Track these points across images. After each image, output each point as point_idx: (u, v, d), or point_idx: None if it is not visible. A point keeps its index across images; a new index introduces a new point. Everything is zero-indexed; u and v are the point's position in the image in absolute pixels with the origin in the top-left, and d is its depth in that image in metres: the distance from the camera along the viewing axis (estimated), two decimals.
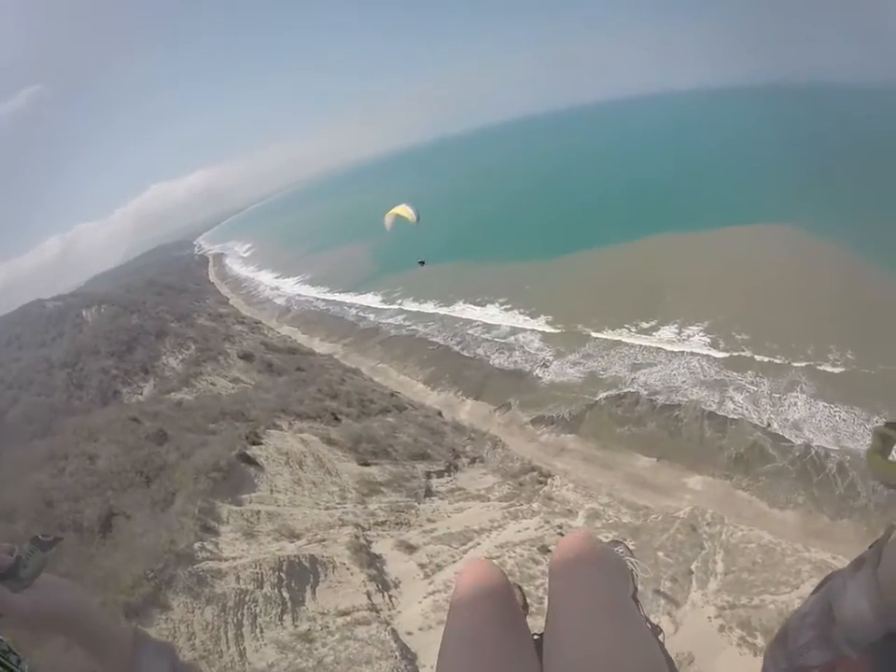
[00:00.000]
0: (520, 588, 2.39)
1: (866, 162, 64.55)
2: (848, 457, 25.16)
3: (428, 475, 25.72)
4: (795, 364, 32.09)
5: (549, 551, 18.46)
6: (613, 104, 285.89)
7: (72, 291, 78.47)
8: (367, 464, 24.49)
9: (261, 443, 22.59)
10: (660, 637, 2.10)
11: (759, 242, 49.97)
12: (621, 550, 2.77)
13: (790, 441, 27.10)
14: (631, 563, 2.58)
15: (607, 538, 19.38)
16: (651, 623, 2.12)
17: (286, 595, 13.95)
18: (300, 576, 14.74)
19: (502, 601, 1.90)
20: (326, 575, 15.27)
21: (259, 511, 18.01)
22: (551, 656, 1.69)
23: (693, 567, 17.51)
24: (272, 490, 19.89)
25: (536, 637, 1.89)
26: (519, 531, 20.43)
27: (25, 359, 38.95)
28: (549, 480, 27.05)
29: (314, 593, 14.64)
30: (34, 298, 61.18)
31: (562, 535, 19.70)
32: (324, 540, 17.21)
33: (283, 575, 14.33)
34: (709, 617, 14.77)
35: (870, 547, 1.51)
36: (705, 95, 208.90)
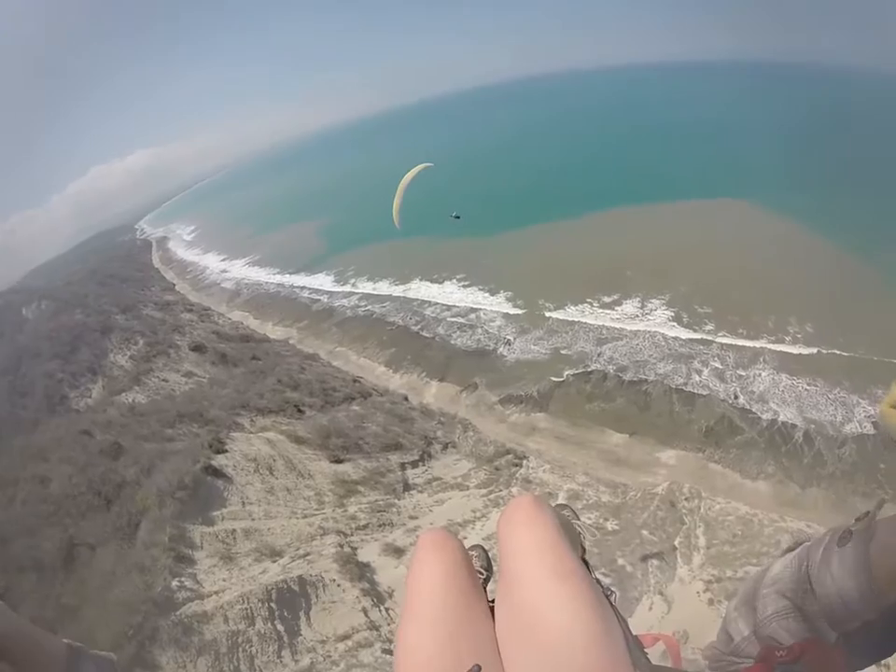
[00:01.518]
0: (484, 549, 2.46)
1: (829, 144, 65.22)
2: (813, 426, 25.87)
3: (403, 466, 25.01)
4: (758, 337, 32.42)
5: None
6: (574, 75, 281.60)
7: (11, 286, 75.48)
8: (339, 461, 23.54)
9: (226, 451, 21.18)
10: (611, 599, 1.96)
11: (717, 216, 50.05)
12: (567, 513, 2.74)
13: (756, 414, 27.47)
14: (578, 525, 2.60)
15: (589, 518, 19.97)
16: (601, 585, 1.96)
17: (280, 627, 13.11)
18: (291, 603, 13.90)
19: (457, 571, 1.86)
20: (318, 596, 14.54)
21: (235, 530, 16.83)
22: (502, 622, 1.68)
23: (676, 543, 17.75)
24: (243, 503, 18.72)
25: (492, 603, 1.85)
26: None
27: None
28: (524, 462, 26.52)
29: (308, 619, 13.89)
30: None
31: None
32: (308, 555, 16.34)
33: (273, 606, 13.44)
34: (698, 592, 15.05)
35: (856, 520, 1.49)
36: (672, 70, 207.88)
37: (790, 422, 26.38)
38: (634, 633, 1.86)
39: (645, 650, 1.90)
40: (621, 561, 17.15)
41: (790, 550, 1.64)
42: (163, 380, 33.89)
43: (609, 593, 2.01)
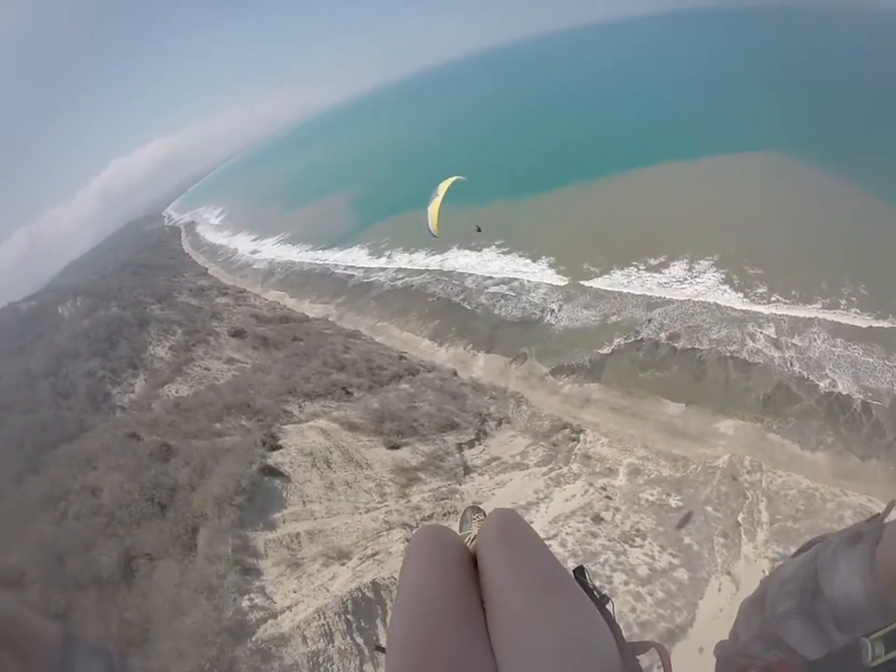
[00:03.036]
0: None
1: (845, 85, 61.62)
2: (870, 395, 24.49)
3: (460, 447, 24.13)
4: (811, 301, 30.57)
5: (602, 519, 18.25)
6: (572, 33, 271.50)
7: (46, 286, 76.20)
8: (396, 446, 22.68)
9: (280, 447, 20.27)
10: (608, 606, 1.85)
11: (750, 170, 47.19)
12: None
13: (813, 381, 26.03)
14: None
15: (652, 495, 19.76)
16: (597, 593, 1.89)
17: (359, 640, 12.38)
18: (367, 612, 13.11)
19: (450, 570, 1.79)
20: (393, 601, 13.42)
21: (299, 534, 15.96)
22: (494, 634, 1.59)
23: (739, 519, 17.58)
24: (304, 502, 17.84)
25: None
26: (566, 500, 19.79)
27: (5, 375, 35.70)
28: (581, 436, 25.80)
29: (386, 626, 13.00)
30: (9, 300, 57.14)
31: (609, 498, 19.80)
32: (376, 554, 15.50)
33: (350, 618, 12.63)
34: (763, 570, 14.95)
35: (867, 521, 1.51)
36: (669, 20, 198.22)
37: (847, 390, 24.92)
38: (627, 640, 1.73)
39: (637, 657, 1.74)
40: (687, 540, 16.82)
41: (801, 550, 1.60)
42: (205, 368, 33.35)
43: (605, 600, 1.89)
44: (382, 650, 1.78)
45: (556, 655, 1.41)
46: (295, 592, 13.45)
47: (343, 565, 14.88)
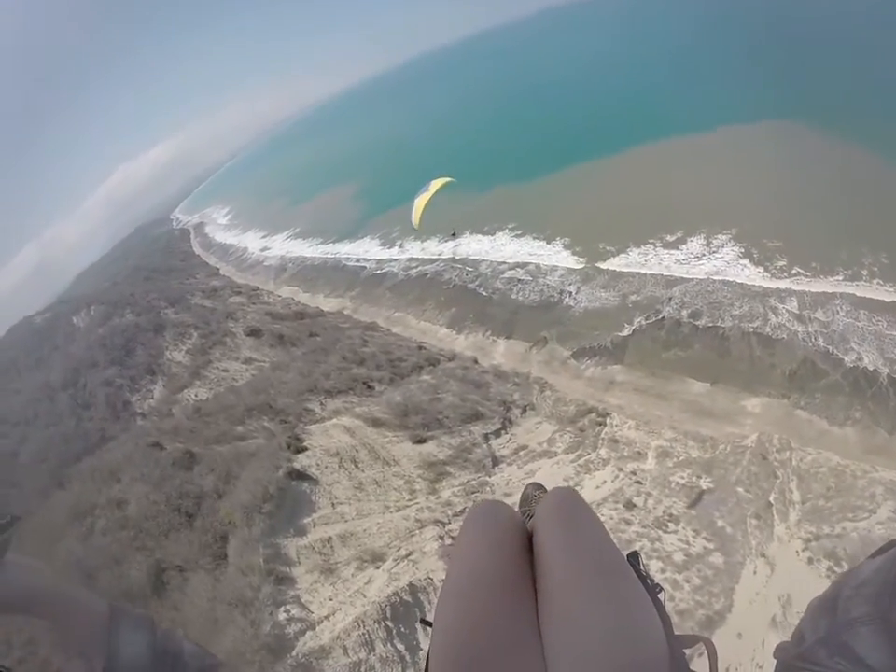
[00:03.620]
0: None
1: (851, 47, 59.26)
2: None
3: (487, 437, 23.63)
4: (832, 272, 29.75)
5: (635, 505, 17.97)
6: (560, 10, 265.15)
7: (59, 297, 76.33)
8: (422, 440, 22.17)
9: (306, 448, 19.90)
10: (660, 596, 1.85)
11: (759, 140, 45.85)
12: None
13: (838, 355, 25.48)
14: None
15: (682, 477, 19.22)
16: (650, 580, 1.85)
17: (400, 646, 12.00)
18: (406, 616, 12.71)
19: (503, 546, 1.78)
20: (430, 602, 13.35)
21: (330, 538, 15.58)
22: (543, 616, 1.56)
23: (771, 500, 17.21)
24: (333, 504, 17.45)
25: None
26: (597, 487, 19.44)
27: (25, 389, 35.57)
28: (607, 419, 25.14)
29: (426, 629, 12.51)
30: (23, 315, 57.32)
31: (639, 483, 19.49)
32: (411, 554, 15.06)
33: (389, 624, 12.28)
34: (797, 551, 14.75)
35: None
36: None
37: (872, 364, 24.35)
38: (676, 633, 1.70)
39: (685, 650, 1.69)
40: (720, 523, 16.43)
41: (882, 551, 1.47)
42: (223, 370, 33.13)
43: (657, 589, 1.86)
44: (428, 623, 1.75)
45: (604, 642, 1.38)
46: (331, 599, 13.10)
47: (377, 568, 14.52)
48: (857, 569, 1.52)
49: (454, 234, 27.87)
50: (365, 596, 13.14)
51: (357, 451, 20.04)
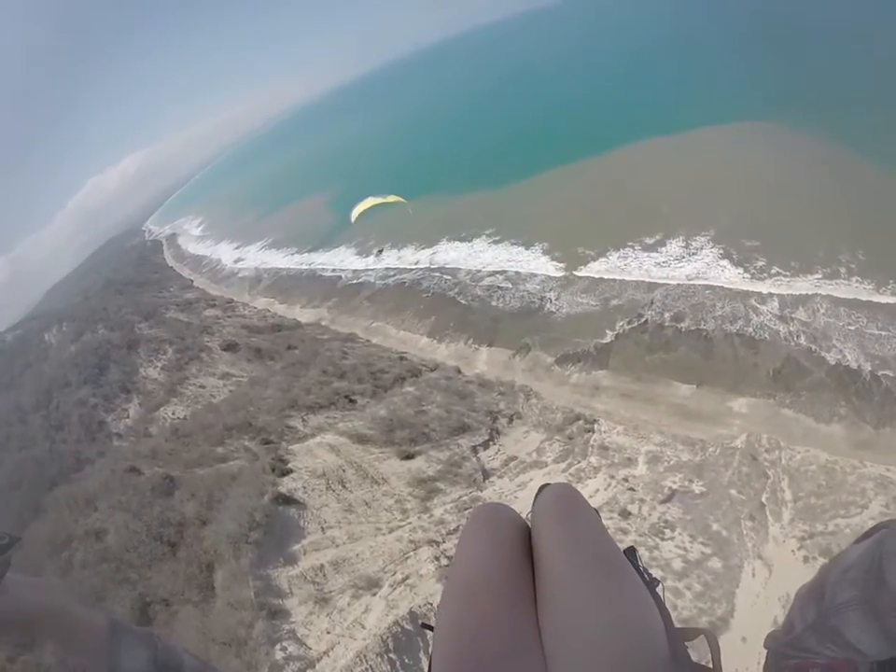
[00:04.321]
0: None
1: (828, 45, 59.65)
2: (878, 362, 24.15)
3: (475, 450, 23.29)
4: (811, 271, 29.99)
5: (630, 513, 17.92)
6: (539, 13, 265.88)
7: (29, 312, 75.81)
8: (409, 455, 21.69)
9: (291, 471, 19.22)
10: (658, 590, 1.78)
11: (737, 140, 46.15)
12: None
13: (820, 352, 25.64)
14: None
15: (674, 482, 19.31)
16: (648, 575, 1.78)
17: None
18: (408, 645, 12.24)
19: (505, 548, 1.77)
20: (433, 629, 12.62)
21: (322, 565, 14.96)
22: (543, 614, 1.58)
23: (764, 500, 17.46)
24: (323, 528, 16.83)
25: None
26: (591, 496, 19.18)
27: None
28: (595, 426, 25.03)
29: (429, 656, 11.96)
30: None
31: (632, 489, 19.37)
32: (407, 578, 14.58)
33: (393, 657, 11.83)
34: (793, 551, 15.04)
35: None
36: None
37: (855, 360, 24.53)
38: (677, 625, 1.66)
39: (686, 644, 1.63)
40: (715, 526, 16.55)
41: (866, 535, 1.48)
42: (200, 386, 32.33)
43: (655, 583, 1.80)
44: (429, 627, 1.71)
45: (604, 638, 1.38)
46: (329, 633, 12.47)
47: (373, 595, 13.93)
48: (843, 555, 1.50)
49: (380, 251, 28.06)
50: (364, 627, 12.58)
51: (344, 471, 19.45)
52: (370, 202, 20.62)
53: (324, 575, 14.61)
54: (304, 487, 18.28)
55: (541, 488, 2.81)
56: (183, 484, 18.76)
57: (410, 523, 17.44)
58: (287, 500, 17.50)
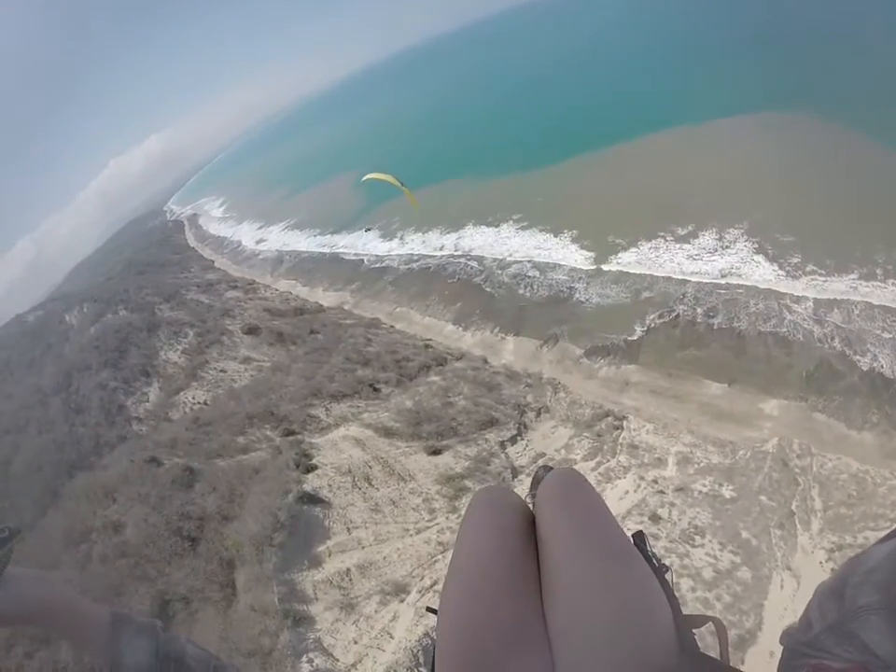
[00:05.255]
0: None
1: (860, 36, 57.04)
2: None
3: (503, 445, 22.74)
4: (847, 269, 28.71)
5: (660, 518, 17.53)
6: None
7: (51, 293, 76.53)
8: (437, 451, 21.11)
9: (315, 467, 18.67)
10: (667, 576, 1.74)
11: (772, 131, 44.44)
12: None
13: (854, 356, 24.58)
14: None
15: (704, 485, 18.98)
16: (656, 560, 1.75)
17: None
18: None
19: (508, 532, 1.74)
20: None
21: (349, 569, 14.42)
22: (549, 599, 1.57)
23: (793, 508, 17.14)
24: (349, 529, 16.28)
25: None
26: (620, 498, 18.95)
27: (17, 394, 34.43)
28: (624, 423, 24.35)
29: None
30: (17, 311, 56.59)
31: (662, 492, 19.08)
32: (435, 584, 14.08)
33: (423, 671, 11.13)
34: (821, 562, 14.82)
35: None
36: None
37: (889, 366, 23.51)
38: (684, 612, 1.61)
39: (693, 631, 1.60)
40: (745, 534, 16.13)
41: (891, 536, 1.36)
42: (221, 370, 31.95)
43: (664, 570, 1.76)
44: (433, 611, 1.69)
45: (610, 625, 1.37)
46: (356, 642, 11.94)
47: (402, 601, 13.39)
48: (865, 554, 1.38)
49: (368, 229, 27.83)
50: (392, 637, 12.06)
51: (370, 467, 18.88)
52: (389, 177, 20.92)
53: (350, 579, 14.10)
54: (329, 485, 17.76)
55: (540, 469, 2.85)
56: (204, 477, 18.35)
57: (438, 523, 16.90)
58: (312, 499, 16.99)
